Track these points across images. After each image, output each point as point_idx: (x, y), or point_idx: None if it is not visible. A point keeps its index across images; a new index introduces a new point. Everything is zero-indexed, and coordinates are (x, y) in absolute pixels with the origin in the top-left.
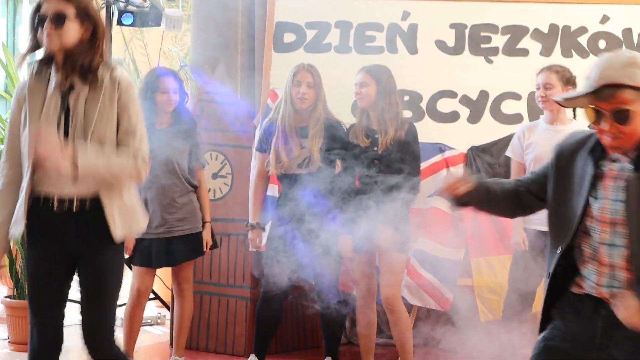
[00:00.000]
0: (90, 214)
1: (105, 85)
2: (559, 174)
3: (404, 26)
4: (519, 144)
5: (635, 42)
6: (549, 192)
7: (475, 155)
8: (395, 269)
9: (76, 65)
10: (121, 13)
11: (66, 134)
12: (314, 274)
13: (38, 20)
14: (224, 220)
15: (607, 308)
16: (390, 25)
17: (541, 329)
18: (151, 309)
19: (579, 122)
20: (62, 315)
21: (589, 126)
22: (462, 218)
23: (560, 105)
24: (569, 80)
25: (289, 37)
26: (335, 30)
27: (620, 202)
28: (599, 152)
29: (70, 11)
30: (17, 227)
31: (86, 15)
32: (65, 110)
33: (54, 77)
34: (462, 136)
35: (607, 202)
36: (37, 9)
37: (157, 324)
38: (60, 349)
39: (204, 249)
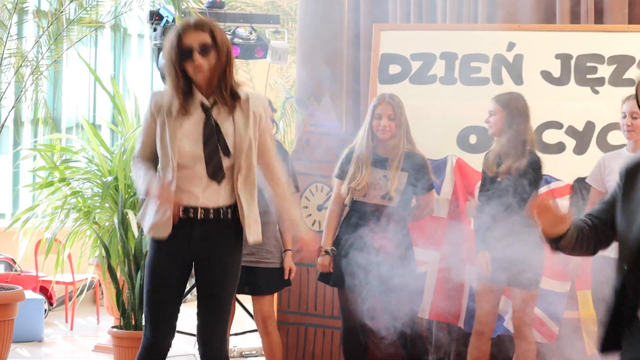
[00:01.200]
0: (224, 220)
1: (245, 107)
2: (624, 193)
3: (510, 57)
4: (598, 172)
5: None
6: (617, 213)
7: (582, 186)
8: (529, 301)
9: (217, 87)
10: None
11: (216, 149)
12: (393, 310)
13: (181, 53)
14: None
15: None
16: (495, 56)
17: (603, 349)
18: (257, 340)
19: None
20: (177, 313)
21: None
22: None
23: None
24: None
25: (394, 69)
26: (440, 62)
27: None
28: None
29: (210, 40)
30: (162, 230)
31: (222, 42)
32: (214, 127)
33: (196, 97)
34: (568, 167)
35: None
36: (178, 43)
37: (262, 354)
38: (169, 346)
39: (287, 276)
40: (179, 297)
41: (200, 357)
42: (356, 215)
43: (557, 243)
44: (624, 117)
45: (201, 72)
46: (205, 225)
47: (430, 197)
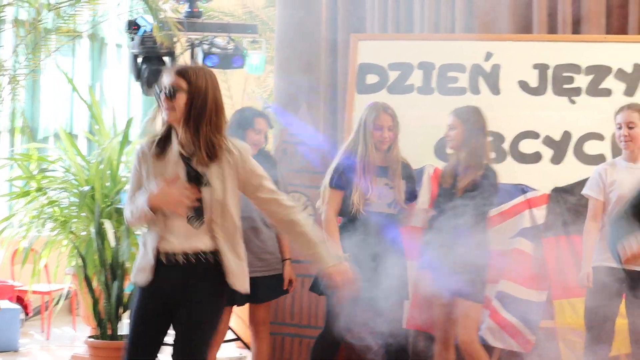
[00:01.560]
0: (205, 266)
1: (224, 156)
2: None
3: (487, 67)
4: (600, 181)
5: None
6: None
7: (559, 196)
8: (471, 315)
9: (197, 137)
10: (205, 55)
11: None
12: (380, 318)
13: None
14: (305, 261)
15: None
16: (473, 66)
17: None
18: (232, 349)
19: None
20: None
21: None
22: (544, 259)
23: None
24: None
25: (371, 79)
26: (418, 72)
27: None
28: None
29: (184, 84)
30: (143, 276)
31: (197, 89)
32: (194, 175)
33: (175, 144)
34: (545, 177)
35: None
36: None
37: None
38: None
39: (286, 287)
40: (159, 343)
41: None
42: (362, 225)
43: None
44: (620, 127)
45: (168, 112)
46: (186, 271)
47: (414, 207)
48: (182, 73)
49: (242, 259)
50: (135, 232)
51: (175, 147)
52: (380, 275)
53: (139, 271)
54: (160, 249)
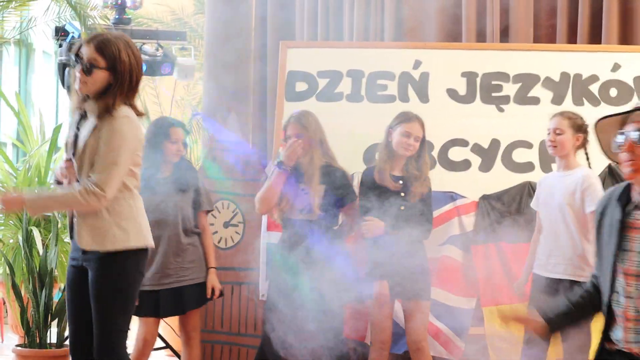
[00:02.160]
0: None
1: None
2: (597, 228)
3: (416, 75)
4: (536, 193)
5: None
6: (595, 244)
7: (487, 203)
8: (424, 313)
9: (99, 104)
10: None
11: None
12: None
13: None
14: (235, 269)
15: None
16: (402, 74)
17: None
18: (162, 358)
19: (585, 167)
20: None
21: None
22: (473, 267)
23: (597, 127)
24: (580, 128)
25: (300, 86)
26: (347, 79)
27: None
28: (624, 198)
29: (100, 61)
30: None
31: (114, 66)
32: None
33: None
34: (474, 184)
35: (634, 255)
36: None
37: None
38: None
39: (210, 295)
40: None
41: None
42: (288, 231)
43: (553, 333)
44: (549, 133)
45: (81, 88)
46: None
47: (351, 212)
48: (101, 49)
49: (105, 220)
50: (64, 240)
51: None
52: (303, 285)
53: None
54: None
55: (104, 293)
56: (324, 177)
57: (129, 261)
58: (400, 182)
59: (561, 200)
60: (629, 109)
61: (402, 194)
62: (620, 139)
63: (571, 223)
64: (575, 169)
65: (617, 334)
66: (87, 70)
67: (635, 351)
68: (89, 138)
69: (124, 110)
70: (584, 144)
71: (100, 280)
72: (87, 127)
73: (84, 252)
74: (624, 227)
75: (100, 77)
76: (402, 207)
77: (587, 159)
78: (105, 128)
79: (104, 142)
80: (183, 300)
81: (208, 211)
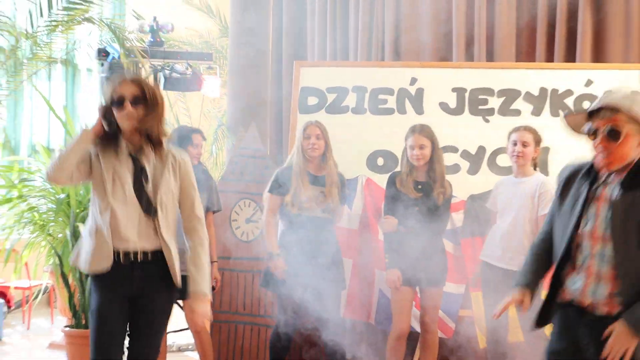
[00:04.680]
0: (152, 263)
1: (169, 158)
2: (560, 195)
3: (412, 90)
4: (493, 195)
5: None
6: (555, 207)
7: (474, 202)
8: (437, 298)
9: (144, 134)
10: (166, 79)
11: (138, 188)
12: (319, 310)
13: (113, 100)
14: (255, 259)
15: (588, 316)
16: (400, 89)
17: (538, 325)
18: (187, 337)
19: (539, 174)
20: (122, 349)
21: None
22: (462, 257)
23: (567, 121)
24: (538, 141)
25: (312, 100)
26: (352, 94)
27: (609, 220)
28: (593, 176)
29: (140, 93)
30: (104, 264)
31: (151, 96)
32: (139, 169)
33: (123, 144)
34: (463, 186)
35: (599, 220)
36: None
37: (189, 350)
38: None
39: (212, 286)
40: (123, 335)
41: None
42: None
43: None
44: (515, 144)
45: (127, 122)
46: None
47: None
48: (139, 85)
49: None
50: None
51: (123, 144)
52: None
53: (95, 259)
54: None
55: None
56: (338, 183)
57: None
58: (420, 186)
59: (520, 203)
60: (595, 107)
61: (421, 198)
62: (588, 126)
63: (527, 222)
64: (532, 175)
65: (577, 284)
66: None
67: (587, 303)
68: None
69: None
70: (537, 155)
71: None
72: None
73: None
74: (588, 198)
75: None
76: (417, 209)
77: (535, 167)
78: (181, 169)
79: (190, 183)
80: (187, 288)
81: (215, 211)
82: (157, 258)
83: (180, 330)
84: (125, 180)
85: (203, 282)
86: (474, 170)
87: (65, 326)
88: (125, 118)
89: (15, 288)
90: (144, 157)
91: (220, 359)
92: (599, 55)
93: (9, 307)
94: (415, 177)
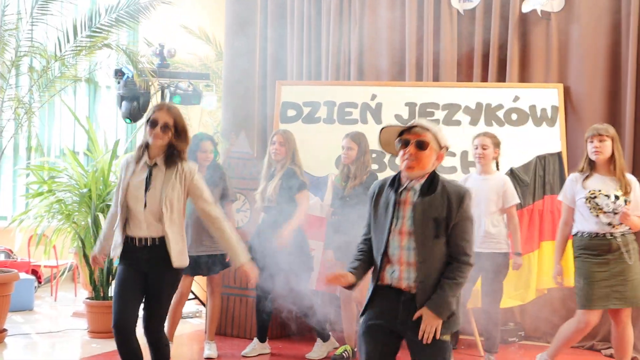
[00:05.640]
0: (158, 248)
1: (178, 168)
2: (373, 205)
3: (373, 104)
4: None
5: (539, 114)
6: (370, 217)
7: None
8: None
9: (166, 153)
10: (172, 94)
11: (148, 191)
12: (291, 282)
13: (149, 122)
14: (244, 241)
15: (405, 294)
16: (362, 104)
17: (362, 314)
18: (192, 306)
19: (501, 173)
20: (137, 315)
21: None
22: None
23: (380, 137)
24: (497, 144)
25: (291, 112)
26: (324, 107)
27: (412, 218)
28: (397, 184)
29: (170, 122)
30: (117, 250)
31: (180, 126)
32: (150, 177)
33: (145, 157)
34: None
35: (406, 219)
36: (151, 114)
37: (196, 316)
38: (133, 331)
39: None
40: (139, 302)
41: (146, 338)
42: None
43: (357, 281)
44: (476, 148)
45: (155, 140)
46: (150, 250)
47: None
48: (171, 113)
49: (183, 244)
50: None
51: (144, 158)
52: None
53: (115, 247)
54: (125, 233)
55: None
56: (285, 177)
57: None
58: (347, 180)
59: (487, 196)
60: (408, 126)
61: (345, 188)
62: (399, 143)
63: (492, 213)
64: (494, 174)
65: (394, 274)
66: None
67: (404, 286)
68: (167, 181)
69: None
70: (497, 156)
71: None
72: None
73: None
74: (396, 203)
75: None
76: (346, 199)
77: (497, 166)
78: (191, 177)
79: (200, 185)
80: (211, 265)
81: (232, 201)
82: (162, 243)
83: (190, 299)
84: (141, 185)
85: (243, 251)
86: None
87: (87, 298)
88: (153, 137)
89: (45, 267)
90: (156, 168)
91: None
92: (524, 76)
93: (39, 282)
94: (346, 172)
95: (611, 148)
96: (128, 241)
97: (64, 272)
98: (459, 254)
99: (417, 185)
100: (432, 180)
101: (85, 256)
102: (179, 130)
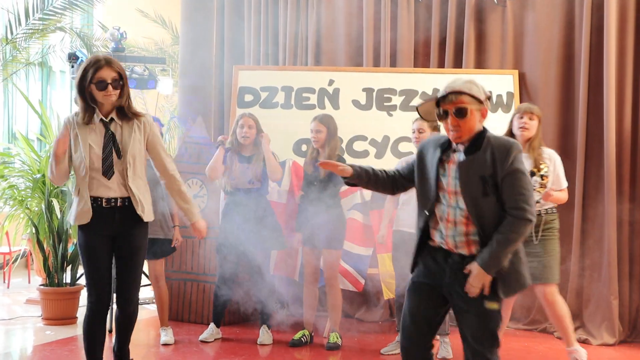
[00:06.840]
0: (126, 208)
1: (134, 120)
2: (420, 162)
3: (330, 90)
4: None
5: (494, 100)
6: (415, 175)
7: None
8: (335, 259)
9: (117, 107)
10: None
11: (111, 151)
12: (251, 267)
13: (94, 83)
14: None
15: (453, 257)
16: (320, 89)
17: (412, 270)
18: (148, 292)
19: None
20: (111, 281)
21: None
22: (371, 226)
23: (419, 110)
24: (435, 127)
25: (248, 98)
26: (281, 93)
27: (458, 178)
28: (446, 146)
29: (117, 75)
30: (87, 216)
31: (125, 75)
32: (110, 136)
33: (97, 115)
34: None
35: (451, 179)
36: (93, 74)
37: (152, 302)
38: (109, 305)
39: (173, 245)
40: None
41: (119, 308)
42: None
43: (347, 180)
44: (413, 132)
45: (112, 100)
46: (120, 210)
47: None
48: (114, 66)
49: (148, 199)
50: None
51: (97, 116)
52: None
53: (80, 215)
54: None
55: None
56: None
57: None
58: (316, 164)
59: None
60: (442, 95)
61: (316, 175)
62: (439, 114)
63: None
64: None
65: (442, 233)
66: None
67: (450, 246)
68: (128, 134)
69: (145, 116)
70: None
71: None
72: (113, 125)
73: None
74: (442, 161)
75: None
76: (315, 183)
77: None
78: (149, 128)
79: (158, 138)
80: (154, 250)
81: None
82: (130, 203)
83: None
84: (99, 145)
85: (197, 211)
86: (380, 155)
87: (40, 285)
88: (108, 98)
89: None
90: (113, 124)
91: (172, 311)
92: (480, 62)
93: None
94: (315, 156)
95: (536, 129)
96: (95, 204)
97: (17, 259)
98: (511, 208)
99: (462, 146)
100: (478, 139)
101: (39, 242)
102: (124, 81)
